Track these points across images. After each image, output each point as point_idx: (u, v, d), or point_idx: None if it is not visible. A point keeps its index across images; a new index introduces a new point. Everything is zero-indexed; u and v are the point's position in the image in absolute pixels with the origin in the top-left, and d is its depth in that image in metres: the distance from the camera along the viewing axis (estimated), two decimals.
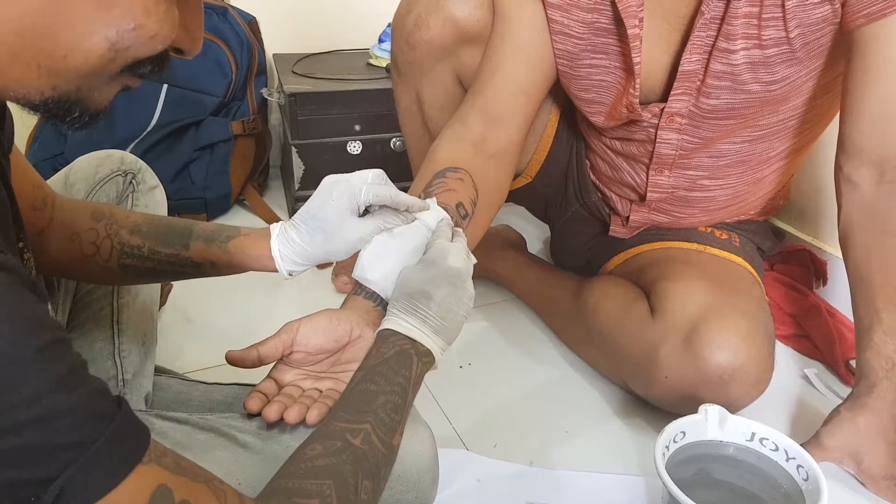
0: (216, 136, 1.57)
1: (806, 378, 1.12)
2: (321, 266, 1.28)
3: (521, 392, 1.08)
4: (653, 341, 0.93)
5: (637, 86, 0.93)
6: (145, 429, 0.43)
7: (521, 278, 1.29)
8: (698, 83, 0.91)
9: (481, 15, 1.01)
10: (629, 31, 0.89)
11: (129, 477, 0.40)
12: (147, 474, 0.41)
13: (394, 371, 0.61)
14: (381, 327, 0.66)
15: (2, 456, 0.37)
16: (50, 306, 0.61)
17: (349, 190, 0.71)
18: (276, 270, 0.74)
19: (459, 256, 0.70)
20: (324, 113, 1.54)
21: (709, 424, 0.80)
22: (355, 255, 0.74)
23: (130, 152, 0.92)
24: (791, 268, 1.31)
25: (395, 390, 0.60)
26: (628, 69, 0.93)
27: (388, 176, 1.72)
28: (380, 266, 0.72)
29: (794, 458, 0.77)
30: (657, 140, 0.98)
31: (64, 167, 0.89)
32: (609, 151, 1.08)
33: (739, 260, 1.05)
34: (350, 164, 1.59)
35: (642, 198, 1.07)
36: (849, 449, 0.88)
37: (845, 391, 0.95)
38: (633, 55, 0.91)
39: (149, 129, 1.53)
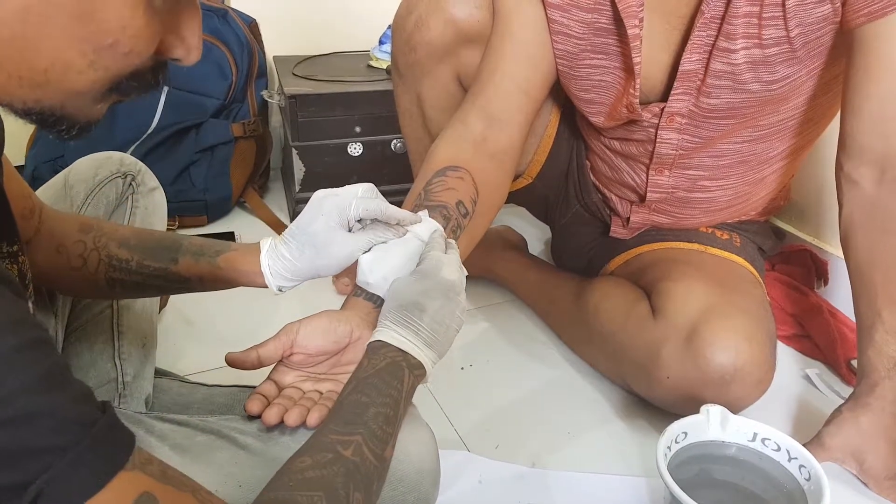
0: (217, 138, 1.57)
1: (807, 378, 1.11)
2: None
3: (523, 393, 1.07)
4: (654, 342, 0.93)
5: (637, 86, 0.93)
6: (130, 435, 0.42)
7: (521, 279, 1.29)
8: (698, 83, 0.91)
9: (481, 16, 1.01)
10: (629, 31, 0.89)
11: (111, 483, 0.39)
12: (130, 481, 0.40)
13: (385, 383, 0.60)
14: (371, 339, 0.64)
15: None
16: (31, 305, 0.61)
17: (339, 204, 0.70)
18: (265, 286, 0.72)
19: (453, 269, 0.69)
20: (324, 115, 1.54)
21: (710, 425, 0.80)
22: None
23: (131, 155, 0.92)
24: (792, 268, 1.30)
25: (386, 402, 0.59)
26: (628, 69, 0.93)
27: (389, 177, 1.73)
28: (379, 269, 0.71)
29: (796, 459, 0.76)
30: (657, 140, 0.98)
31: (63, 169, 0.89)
32: (608, 152, 1.08)
33: (740, 260, 1.05)
34: (351, 166, 1.59)
35: (642, 198, 1.07)
36: (851, 449, 0.88)
37: (847, 391, 0.95)
38: (633, 55, 0.90)
39: (149, 131, 1.53)
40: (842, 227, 0.90)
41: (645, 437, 0.98)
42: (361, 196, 0.71)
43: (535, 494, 0.87)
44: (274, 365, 0.72)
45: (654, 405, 1.00)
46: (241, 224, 1.58)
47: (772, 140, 0.98)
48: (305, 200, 1.69)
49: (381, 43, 1.70)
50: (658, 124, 0.96)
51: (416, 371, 0.63)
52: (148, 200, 0.90)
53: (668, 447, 0.76)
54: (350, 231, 0.71)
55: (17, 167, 1.84)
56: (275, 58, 1.77)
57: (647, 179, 1.04)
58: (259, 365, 0.70)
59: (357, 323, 0.73)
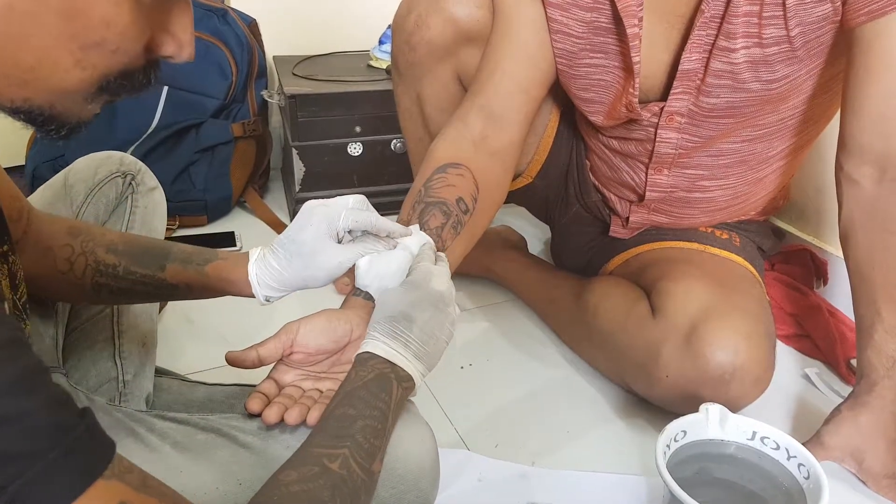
0: (217, 138, 1.57)
1: (807, 377, 1.11)
2: None
3: (523, 392, 1.08)
4: (654, 341, 0.93)
5: (637, 85, 0.93)
6: (110, 443, 0.41)
7: (521, 279, 1.29)
8: (698, 82, 0.91)
9: (481, 15, 1.01)
10: (628, 31, 0.89)
11: (87, 492, 0.38)
12: (107, 490, 0.39)
13: (373, 395, 0.60)
14: (360, 350, 0.64)
15: None
16: (7, 306, 0.60)
17: (328, 215, 0.69)
18: (253, 296, 0.72)
19: (443, 280, 0.69)
20: (324, 115, 1.55)
21: (710, 423, 0.80)
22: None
23: (131, 154, 0.92)
24: (792, 267, 1.30)
25: (374, 415, 0.58)
26: (628, 68, 0.93)
27: (389, 177, 1.73)
28: (376, 273, 0.71)
29: (795, 457, 0.76)
30: (657, 139, 0.98)
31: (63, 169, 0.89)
32: (607, 151, 1.08)
33: (740, 259, 1.05)
34: (351, 166, 1.60)
35: (641, 198, 1.07)
36: (850, 448, 0.88)
37: (846, 390, 0.95)
38: (632, 54, 0.91)
39: (149, 131, 1.53)
40: (841, 226, 0.90)
41: (644, 435, 0.98)
42: (352, 207, 0.70)
43: (534, 493, 0.87)
44: (274, 364, 0.72)
45: (653, 404, 1.00)
46: (242, 224, 1.58)
47: (771, 139, 0.98)
48: (306, 200, 1.69)
49: (380, 43, 1.70)
50: (657, 123, 0.96)
51: (405, 383, 0.63)
52: (148, 200, 0.90)
53: (668, 446, 0.76)
54: (340, 242, 0.70)
55: (17, 167, 1.85)
56: (275, 58, 1.77)
57: (646, 179, 1.04)
58: (259, 364, 0.70)
59: (357, 322, 0.73)
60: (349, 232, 0.71)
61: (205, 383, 0.85)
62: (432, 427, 0.71)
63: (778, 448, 0.78)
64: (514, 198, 1.24)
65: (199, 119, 1.56)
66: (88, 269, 0.72)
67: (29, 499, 0.36)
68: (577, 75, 0.98)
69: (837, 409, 0.90)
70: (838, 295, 1.24)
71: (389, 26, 1.64)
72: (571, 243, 1.25)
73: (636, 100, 0.94)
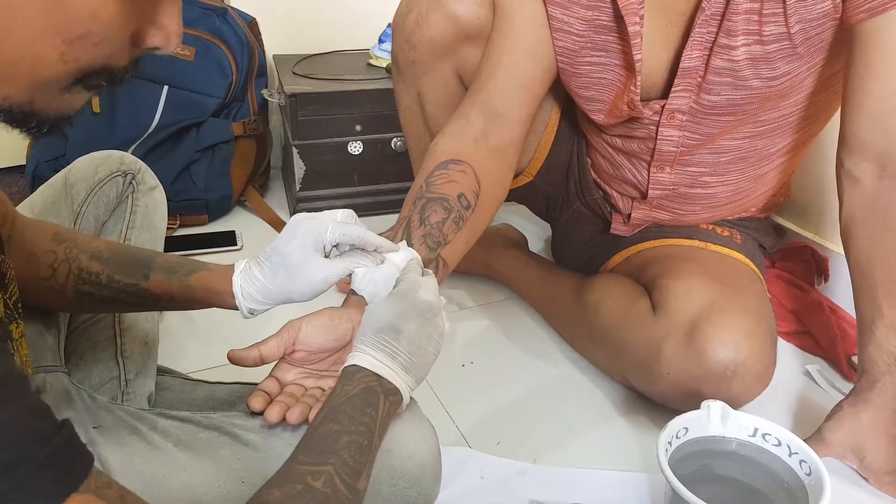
0: (217, 137, 1.57)
1: (808, 374, 1.12)
2: None
3: (524, 390, 1.08)
4: (655, 338, 0.93)
5: (638, 83, 0.93)
6: (88, 456, 0.40)
7: (522, 277, 1.29)
8: (699, 79, 0.91)
9: (482, 13, 1.01)
10: (630, 29, 0.89)
11: None
12: None
13: (359, 410, 0.58)
14: (346, 363, 0.63)
15: None
16: (11, 304, 0.60)
17: (315, 228, 0.68)
18: (237, 308, 0.71)
19: (431, 291, 0.68)
20: (324, 113, 1.55)
21: (711, 420, 0.80)
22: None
23: (132, 154, 0.92)
24: (793, 264, 1.30)
25: (360, 430, 0.57)
26: (629, 66, 0.93)
27: (390, 175, 1.73)
28: (370, 275, 0.71)
29: (796, 454, 0.77)
30: (658, 137, 0.98)
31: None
32: (610, 149, 1.08)
33: (741, 257, 1.05)
34: (351, 165, 1.60)
35: (644, 195, 1.07)
36: (851, 444, 0.88)
37: (847, 387, 0.95)
38: (633, 52, 0.91)
39: (150, 130, 1.53)
40: (842, 223, 0.90)
41: (645, 433, 0.98)
42: (340, 221, 0.69)
43: (536, 490, 0.87)
44: (276, 362, 0.72)
45: (654, 401, 1.00)
46: (242, 223, 1.58)
47: (772, 136, 0.98)
48: (306, 199, 1.69)
49: (380, 41, 1.70)
50: (659, 121, 0.96)
51: (392, 397, 0.61)
52: (148, 199, 0.90)
53: (669, 443, 0.76)
54: (327, 257, 0.69)
55: (18, 167, 1.85)
56: (275, 56, 1.77)
57: (648, 177, 1.04)
58: (261, 362, 0.70)
59: (358, 320, 0.72)
60: (336, 247, 0.70)
61: (207, 382, 0.86)
62: (434, 425, 0.71)
63: (779, 444, 0.78)
64: (514, 196, 1.24)
65: (199, 118, 1.56)
66: (71, 277, 0.71)
67: None
68: (577, 74, 0.98)
69: (839, 406, 0.90)
70: (839, 292, 1.24)
71: (389, 25, 1.64)
72: (572, 241, 1.25)
73: (638, 98, 0.94)
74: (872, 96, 0.83)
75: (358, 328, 0.71)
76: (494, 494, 0.86)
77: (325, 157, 1.58)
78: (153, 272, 0.71)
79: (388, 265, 0.72)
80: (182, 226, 1.54)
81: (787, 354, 1.16)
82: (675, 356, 0.90)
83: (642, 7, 0.89)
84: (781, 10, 0.83)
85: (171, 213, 1.45)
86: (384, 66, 1.67)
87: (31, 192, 0.88)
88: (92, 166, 0.88)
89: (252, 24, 1.68)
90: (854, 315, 0.91)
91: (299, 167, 1.57)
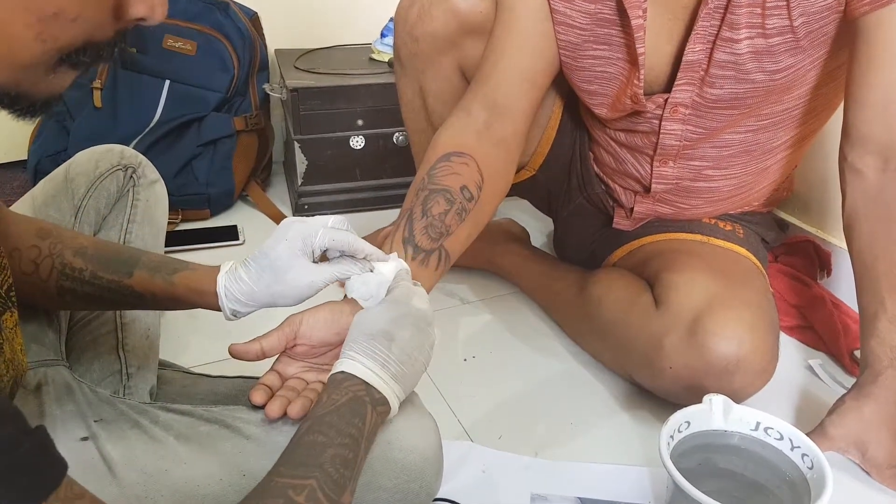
0: (219, 132, 1.57)
1: (810, 369, 1.11)
2: None
3: (526, 384, 1.08)
4: (657, 332, 0.93)
5: (641, 77, 0.92)
6: (60, 465, 0.38)
7: (524, 271, 1.29)
8: (702, 73, 0.90)
9: (484, 6, 1.01)
10: (633, 22, 0.89)
11: None
12: None
13: (345, 421, 0.56)
14: (333, 370, 0.61)
15: None
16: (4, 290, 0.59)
17: (304, 232, 0.67)
18: (220, 310, 0.69)
19: (424, 300, 0.67)
20: (326, 108, 1.54)
21: (713, 414, 0.79)
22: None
23: (133, 149, 0.92)
24: (795, 259, 1.30)
25: (345, 443, 0.55)
26: (632, 60, 0.93)
27: (392, 170, 1.73)
28: (364, 279, 0.70)
29: (798, 448, 0.76)
30: (661, 131, 0.98)
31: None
32: (613, 143, 1.08)
33: (743, 251, 1.05)
34: (353, 159, 1.60)
35: (647, 189, 1.07)
36: (853, 438, 0.88)
37: (850, 382, 0.95)
38: (636, 46, 0.90)
39: (151, 125, 1.53)
40: (845, 216, 0.90)
41: (648, 427, 0.98)
42: (331, 226, 0.68)
43: (538, 484, 0.87)
44: (277, 356, 0.72)
45: (656, 396, 1.00)
46: (244, 218, 1.58)
47: (775, 130, 0.98)
48: (308, 194, 1.70)
49: (382, 36, 1.70)
50: (662, 115, 0.96)
51: (380, 407, 0.60)
52: (149, 193, 0.90)
53: (671, 436, 0.76)
54: (315, 262, 0.68)
55: (19, 161, 1.85)
56: (276, 51, 1.77)
57: (651, 171, 1.04)
58: (262, 356, 0.70)
59: None
60: (325, 253, 0.69)
61: (208, 375, 0.86)
62: (436, 419, 0.71)
63: (782, 438, 0.78)
64: (516, 190, 1.23)
65: (201, 113, 1.56)
66: (54, 272, 0.70)
67: None
68: (580, 67, 0.98)
69: (841, 400, 0.89)
70: (842, 286, 1.24)
71: (391, 19, 1.65)
72: (574, 236, 1.25)
73: (641, 91, 0.94)
74: (875, 89, 0.83)
75: None
76: (496, 488, 0.86)
77: (326, 152, 1.58)
78: (137, 270, 0.70)
79: (378, 274, 0.70)
80: (184, 220, 1.54)
81: (790, 349, 1.16)
82: (678, 350, 0.90)
83: (645, 0, 0.89)
84: (784, 4, 0.83)
85: (173, 208, 1.45)
86: (386, 60, 1.67)
87: (33, 187, 0.88)
88: (92, 160, 0.88)
89: (254, 18, 1.68)
90: (856, 309, 0.91)
91: (301, 162, 1.57)
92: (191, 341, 1.14)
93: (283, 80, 1.58)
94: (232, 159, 1.59)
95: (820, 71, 0.90)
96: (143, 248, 0.87)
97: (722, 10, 0.86)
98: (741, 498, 0.78)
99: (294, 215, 1.59)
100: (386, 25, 1.70)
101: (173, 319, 1.18)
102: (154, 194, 0.91)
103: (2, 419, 0.37)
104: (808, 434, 0.80)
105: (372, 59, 1.70)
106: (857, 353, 1.01)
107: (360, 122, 1.57)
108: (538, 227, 1.50)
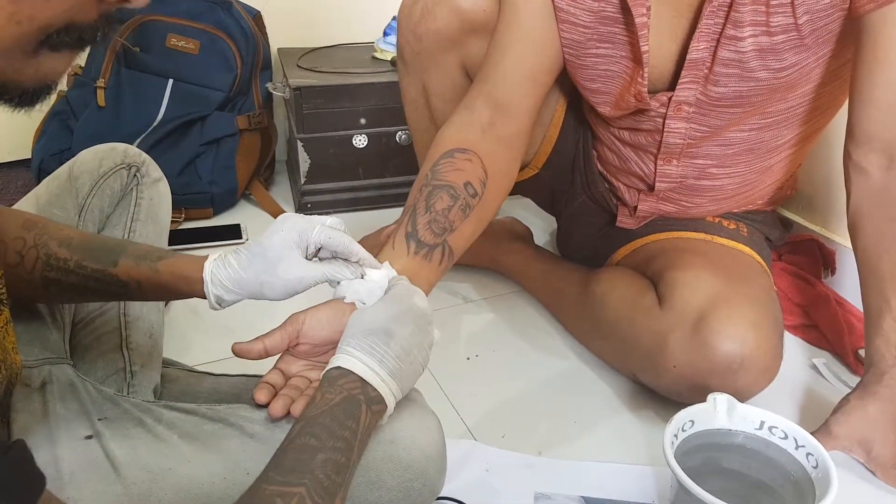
0: (222, 130, 1.57)
1: (815, 368, 1.11)
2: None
3: (529, 383, 1.08)
4: (661, 331, 0.92)
5: (645, 75, 0.92)
6: (38, 482, 0.37)
7: (527, 270, 1.29)
8: (706, 71, 0.90)
9: (488, 5, 1.01)
10: (637, 20, 0.89)
11: None
12: None
13: (338, 422, 0.55)
14: (329, 366, 0.60)
15: None
16: None
17: (302, 225, 0.66)
18: (206, 297, 0.68)
19: (424, 299, 0.66)
20: (329, 106, 1.55)
21: (717, 413, 0.79)
22: None
23: (137, 147, 0.92)
24: (799, 258, 1.30)
25: (337, 447, 0.53)
26: (636, 58, 0.93)
27: (395, 169, 1.73)
28: (354, 287, 0.69)
29: (803, 447, 0.76)
30: (665, 129, 0.98)
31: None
32: (617, 142, 1.08)
33: (747, 249, 1.05)
34: (356, 158, 1.60)
35: (650, 187, 1.07)
36: (858, 437, 0.88)
37: (854, 381, 0.95)
38: (640, 44, 0.90)
39: (154, 124, 1.53)
40: (850, 215, 0.90)
41: (651, 426, 0.98)
42: (328, 225, 0.68)
43: (542, 483, 0.87)
44: (280, 354, 0.72)
45: (660, 395, 1.00)
46: (247, 216, 1.58)
47: (779, 128, 0.98)
48: (311, 192, 1.70)
49: (385, 34, 1.70)
50: (666, 113, 0.96)
51: (376, 406, 0.58)
52: (153, 191, 0.90)
53: (675, 435, 0.76)
54: (307, 259, 0.68)
55: (23, 160, 1.85)
56: (279, 50, 1.77)
57: (655, 169, 1.04)
58: (265, 355, 0.70)
59: None
60: (319, 252, 0.69)
61: (212, 374, 0.86)
62: (439, 417, 0.71)
63: (786, 437, 0.78)
64: (519, 189, 1.23)
65: (204, 112, 1.56)
66: (39, 263, 0.69)
67: None
68: (584, 66, 0.98)
69: (846, 399, 0.89)
70: (846, 285, 1.23)
71: (394, 18, 1.64)
72: (577, 234, 1.25)
73: (645, 89, 0.93)
74: (880, 87, 0.83)
75: None
76: (500, 487, 0.86)
77: (329, 151, 1.58)
78: (122, 258, 0.69)
79: (369, 280, 0.69)
80: (187, 219, 1.55)
81: (794, 348, 1.15)
82: (681, 349, 0.90)
83: None
84: (789, 1, 0.83)
85: (177, 207, 1.46)
86: (389, 59, 1.67)
87: (36, 186, 0.89)
88: (96, 159, 0.88)
89: (257, 17, 1.68)
90: (861, 308, 0.90)
91: (304, 160, 1.57)
92: (194, 340, 1.14)
93: (286, 78, 1.59)
94: (235, 158, 1.59)
95: (824, 69, 0.90)
96: None
97: (726, 8, 0.85)
98: (745, 497, 0.78)
99: (297, 214, 1.59)
100: (389, 24, 1.70)
101: (177, 318, 1.18)
102: (157, 193, 0.91)
103: None
104: (812, 433, 0.79)
105: (375, 58, 1.70)
106: (862, 352, 1.01)
107: (362, 121, 1.57)
108: (541, 226, 1.50)
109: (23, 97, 0.43)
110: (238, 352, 0.70)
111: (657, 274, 1.00)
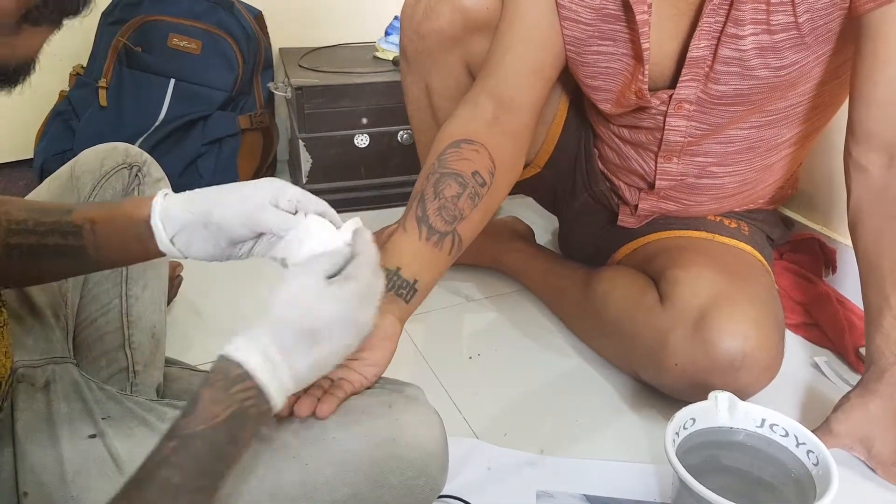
0: (224, 130, 1.58)
1: (816, 366, 1.11)
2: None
3: (531, 382, 1.08)
4: (662, 329, 0.93)
5: (646, 72, 0.92)
6: None
7: (529, 269, 1.29)
8: (706, 69, 0.90)
9: (490, 3, 1.01)
10: (638, 17, 0.89)
11: None
12: None
13: (215, 452, 0.47)
14: (230, 345, 0.51)
15: None
16: None
17: (277, 184, 0.61)
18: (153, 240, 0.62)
19: (382, 282, 0.57)
20: (331, 106, 1.55)
21: (719, 411, 0.80)
22: None
23: (138, 147, 0.93)
24: (800, 256, 1.30)
25: (202, 486, 0.46)
26: (637, 56, 0.93)
27: (396, 168, 1.74)
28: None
29: (804, 444, 0.76)
30: (665, 127, 0.98)
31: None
32: (617, 139, 1.08)
33: (748, 248, 1.05)
34: (357, 157, 1.60)
35: (651, 186, 1.07)
36: (859, 435, 0.88)
37: (855, 379, 0.95)
38: (641, 42, 0.90)
39: (157, 123, 1.54)
40: (850, 213, 0.90)
41: (653, 424, 0.98)
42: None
43: (544, 481, 0.87)
44: None
45: (662, 393, 1.00)
46: None
47: (780, 126, 0.98)
48: (313, 192, 1.70)
49: (386, 34, 1.70)
50: (666, 111, 0.96)
51: (262, 419, 0.50)
52: (154, 190, 0.90)
53: (677, 433, 0.76)
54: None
55: (25, 160, 1.85)
56: (281, 49, 1.78)
57: (655, 167, 1.04)
58: None
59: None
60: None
61: None
62: (441, 416, 0.71)
63: (787, 435, 0.78)
64: (521, 188, 1.23)
65: (206, 111, 1.57)
66: (1, 231, 0.66)
67: None
68: (585, 63, 0.98)
69: (846, 397, 0.89)
70: (847, 284, 1.24)
71: (395, 17, 1.65)
72: (579, 233, 1.25)
73: (646, 87, 0.94)
74: (880, 86, 0.83)
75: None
76: (502, 485, 0.87)
77: (331, 150, 1.58)
78: (77, 208, 0.67)
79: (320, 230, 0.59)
80: None
81: (795, 346, 1.16)
82: (683, 347, 0.90)
83: None
84: (790, 0, 0.83)
85: None
86: (390, 58, 1.67)
87: (39, 186, 0.89)
88: (98, 159, 0.88)
89: (258, 17, 1.68)
90: (862, 307, 0.91)
91: (306, 160, 1.57)
92: (195, 339, 1.14)
93: (288, 78, 1.59)
94: (237, 158, 1.59)
95: (825, 67, 0.90)
96: None
97: (727, 7, 0.86)
98: (747, 494, 0.78)
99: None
100: (390, 24, 1.70)
101: (178, 318, 1.19)
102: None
103: None
104: (813, 431, 0.80)
105: (376, 58, 1.70)
106: (863, 350, 1.01)
107: (364, 121, 1.57)
108: (543, 225, 1.50)
109: (4, 76, 0.43)
110: None
111: (659, 272, 1.00)
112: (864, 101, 0.85)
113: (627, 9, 0.90)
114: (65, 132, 1.55)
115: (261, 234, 0.62)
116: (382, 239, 0.98)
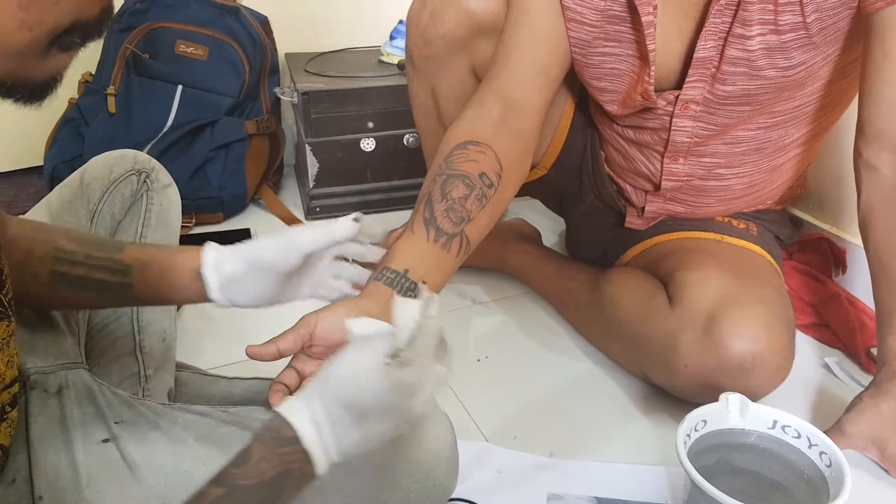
0: (231, 135, 1.58)
1: (827, 367, 1.11)
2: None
3: (540, 384, 1.08)
4: (672, 331, 0.92)
5: (652, 73, 0.92)
6: None
7: (536, 271, 1.29)
8: (713, 70, 0.90)
9: (496, 7, 1.01)
10: (643, 19, 0.89)
11: None
12: None
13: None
14: (285, 405, 0.52)
15: None
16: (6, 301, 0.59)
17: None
18: (204, 290, 0.69)
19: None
20: (337, 111, 1.55)
21: (730, 412, 0.79)
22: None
23: (147, 153, 0.93)
24: (810, 257, 1.29)
25: None
26: (643, 57, 0.93)
27: (403, 172, 1.75)
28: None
29: (816, 445, 0.76)
30: (672, 128, 0.98)
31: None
32: (622, 141, 1.08)
33: (758, 249, 1.05)
34: (364, 161, 1.60)
35: (657, 187, 1.07)
36: (872, 436, 0.87)
37: (866, 379, 0.95)
38: (647, 42, 0.90)
39: (164, 130, 1.55)
40: (861, 213, 0.90)
41: (663, 426, 0.98)
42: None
43: (554, 484, 0.87)
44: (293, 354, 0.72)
45: (672, 395, 0.99)
46: (257, 221, 1.59)
47: (787, 127, 0.98)
48: (319, 196, 1.71)
49: (391, 38, 1.70)
50: (672, 112, 0.96)
51: (304, 481, 0.52)
52: (163, 197, 0.91)
53: (688, 435, 0.76)
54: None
55: (36, 167, 1.86)
56: (287, 55, 1.78)
57: (661, 168, 1.04)
58: (279, 356, 0.70)
59: (376, 313, 0.72)
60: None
61: (225, 377, 0.86)
62: (451, 419, 0.71)
63: (799, 436, 0.77)
64: (528, 190, 1.23)
65: (213, 117, 1.57)
66: (47, 258, 0.69)
67: None
68: (591, 64, 0.98)
69: (858, 398, 0.89)
70: (857, 284, 1.23)
71: (400, 21, 1.65)
72: (586, 235, 1.25)
73: (652, 88, 0.93)
74: (890, 85, 0.83)
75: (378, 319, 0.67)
76: (512, 488, 0.87)
77: (337, 155, 1.58)
78: (127, 247, 0.71)
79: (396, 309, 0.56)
80: (198, 224, 1.55)
81: (806, 347, 1.15)
82: (693, 349, 0.90)
83: None
84: (797, 0, 0.83)
85: (187, 212, 1.46)
86: (395, 62, 1.67)
87: (49, 193, 0.89)
88: (107, 166, 0.89)
89: (264, 22, 1.69)
90: (873, 306, 0.90)
91: (312, 164, 1.58)
92: (206, 344, 1.15)
93: (294, 83, 1.59)
94: (244, 163, 1.60)
95: (833, 67, 0.90)
96: None
97: (734, 7, 0.85)
98: (759, 496, 0.78)
99: (306, 218, 1.60)
100: (395, 28, 1.70)
101: (189, 323, 1.19)
102: (167, 198, 0.91)
103: None
104: (825, 432, 0.79)
105: (381, 62, 1.71)
106: (874, 351, 1.01)
107: (370, 125, 1.58)
108: (550, 227, 1.50)
109: (31, 94, 0.44)
110: (252, 354, 0.70)
111: (667, 274, 1.00)
112: (873, 101, 0.85)
113: (633, 10, 0.90)
114: (74, 139, 1.55)
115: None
116: (389, 241, 0.98)
